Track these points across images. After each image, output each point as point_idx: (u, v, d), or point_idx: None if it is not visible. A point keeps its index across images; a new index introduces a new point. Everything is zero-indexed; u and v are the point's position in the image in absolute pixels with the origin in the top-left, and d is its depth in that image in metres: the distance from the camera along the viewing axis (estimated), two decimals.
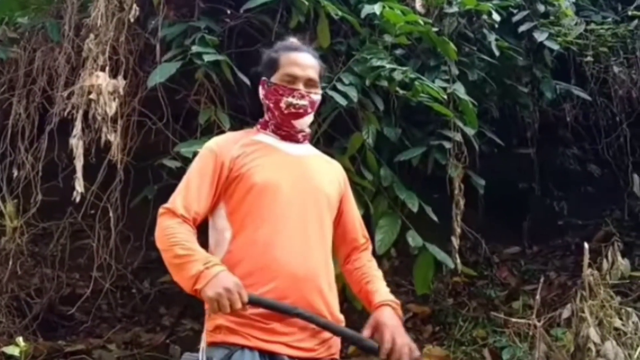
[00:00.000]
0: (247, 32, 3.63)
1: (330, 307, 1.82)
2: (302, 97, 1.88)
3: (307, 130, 1.97)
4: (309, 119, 1.94)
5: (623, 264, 3.10)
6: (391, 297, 1.90)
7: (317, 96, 1.93)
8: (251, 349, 1.70)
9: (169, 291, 4.44)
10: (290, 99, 1.88)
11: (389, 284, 4.84)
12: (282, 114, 1.89)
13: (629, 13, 4.43)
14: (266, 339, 1.71)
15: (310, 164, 1.93)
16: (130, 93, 3.36)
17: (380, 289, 1.91)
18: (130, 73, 3.30)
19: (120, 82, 2.99)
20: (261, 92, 1.96)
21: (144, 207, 3.70)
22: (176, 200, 1.79)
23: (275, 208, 1.79)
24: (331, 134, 3.50)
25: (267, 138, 1.92)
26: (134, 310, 4.33)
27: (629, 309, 3.02)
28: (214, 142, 1.91)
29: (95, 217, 3.46)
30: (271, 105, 1.91)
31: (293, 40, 2.03)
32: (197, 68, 3.21)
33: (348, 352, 3.76)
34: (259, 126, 1.97)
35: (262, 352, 1.70)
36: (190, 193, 1.79)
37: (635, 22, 4.35)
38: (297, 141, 1.94)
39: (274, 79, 1.91)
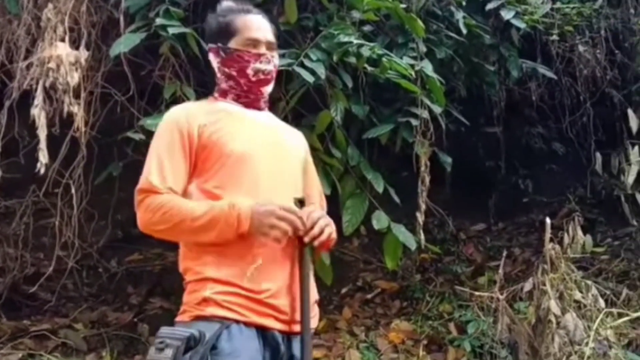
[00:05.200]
0: (214, 6, 3.56)
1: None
2: (269, 61, 1.82)
3: (267, 96, 1.91)
4: (273, 84, 1.87)
5: (584, 238, 3.17)
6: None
7: (277, 60, 1.87)
8: (246, 324, 1.62)
9: (137, 270, 4.41)
10: (257, 65, 1.80)
11: (357, 261, 4.88)
12: (250, 81, 1.81)
13: None
14: (258, 311, 1.64)
15: (278, 131, 1.88)
16: (94, 67, 3.28)
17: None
18: (93, 47, 3.22)
19: (83, 53, 2.90)
20: (215, 59, 1.85)
21: (108, 184, 3.65)
22: (152, 179, 1.68)
23: (253, 177, 1.71)
24: (299, 111, 3.48)
25: (230, 106, 1.83)
26: (100, 289, 4.27)
27: (589, 282, 3.12)
28: (176, 112, 1.79)
29: (58, 194, 3.39)
30: (234, 73, 1.81)
31: (237, 2, 1.91)
32: (162, 43, 3.15)
33: (318, 328, 3.80)
34: (216, 94, 1.87)
35: (254, 327, 1.64)
36: (165, 170, 1.69)
37: (600, 1, 4.41)
38: (259, 108, 1.87)
39: (233, 44, 1.81)
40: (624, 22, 4.50)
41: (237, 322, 1.61)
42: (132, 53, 3.09)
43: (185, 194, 1.71)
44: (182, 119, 1.75)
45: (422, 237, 3.56)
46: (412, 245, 3.39)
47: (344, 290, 4.28)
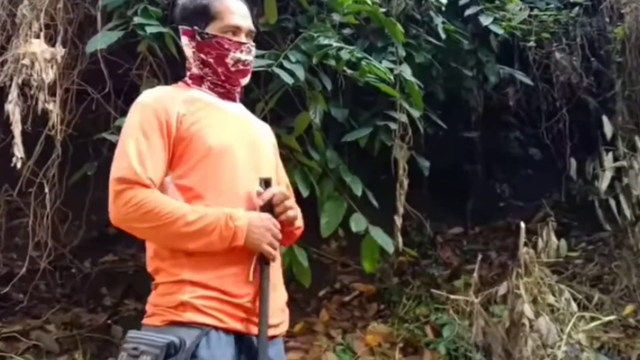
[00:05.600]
0: None
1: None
2: (249, 51, 1.75)
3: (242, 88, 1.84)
4: (250, 75, 1.79)
5: (557, 243, 3.22)
6: None
7: (254, 50, 1.79)
8: (225, 331, 1.56)
9: (111, 271, 4.35)
10: (238, 54, 1.70)
11: (335, 264, 4.87)
12: (229, 70, 1.71)
13: (571, 0, 4.56)
14: (236, 316, 1.58)
15: (253, 125, 1.82)
16: (70, 65, 3.24)
17: None
18: (69, 44, 3.18)
19: (59, 49, 2.85)
20: (190, 43, 1.73)
21: (83, 184, 3.61)
22: (134, 167, 1.54)
23: (232, 172, 1.63)
24: (278, 113, 3.47)
25: (205, 96, 1.72)
26: (74, 290, 4.21)
27: (562, 286, 3.16)
28: (151, 97, 1.66)
29: (32, 194, 3.33)
30: (211, 60, 1.71)
31: None
32: (139, 41, 3.12)
33: (294, 330, 3.79)
34: (190, 81, 1.76)
35: (232, 332, 1.59)
36: (144, 158, 1.56)
37: (577, 9, 4.49)
38: (234, 100, 1.79)
39: (212, 29, 1.71)
40: (600, 30, 4.58)
41: (216, 328, 1.55)
42: (109, 51, 3.05)
43: (160, 186, 1.61)
44: (160, 105, 1.63)
45: (400, 240, 3.58)
46: (390, 248, 3.41)
47: (321, 293, 4.27)
